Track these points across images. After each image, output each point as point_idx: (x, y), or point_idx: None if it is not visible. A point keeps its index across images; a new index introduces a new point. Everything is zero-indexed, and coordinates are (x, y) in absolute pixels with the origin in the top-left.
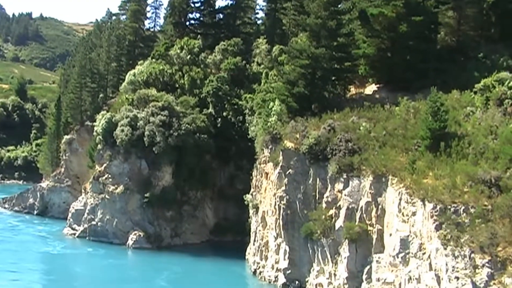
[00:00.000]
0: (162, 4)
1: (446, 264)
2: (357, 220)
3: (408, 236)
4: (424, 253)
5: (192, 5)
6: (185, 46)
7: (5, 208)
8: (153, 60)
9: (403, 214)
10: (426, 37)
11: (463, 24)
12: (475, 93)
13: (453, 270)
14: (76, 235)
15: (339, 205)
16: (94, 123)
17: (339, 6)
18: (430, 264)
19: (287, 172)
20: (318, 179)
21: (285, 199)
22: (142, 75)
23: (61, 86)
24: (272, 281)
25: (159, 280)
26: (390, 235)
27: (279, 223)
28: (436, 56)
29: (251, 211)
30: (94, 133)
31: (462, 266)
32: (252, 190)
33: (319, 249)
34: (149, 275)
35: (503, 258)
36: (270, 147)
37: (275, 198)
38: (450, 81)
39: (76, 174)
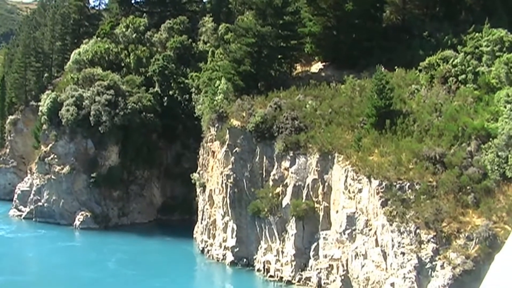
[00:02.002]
0: None
1: (392, 240)
2: (304, 197)
3: (354, 213)
4: (370, 230)
5: None
6: (130, 25)
7: None
8: (99, 38)
9: (349, 191)
10: (372, 15)
11: (408, 3)
12: (420, 71)
13: (399, 246)
14: (22, 216)
15: (286, 183)
16: (39, 103)
17: None
18: (376, 240)
19: (234, 151)
20: (264, 157)
21: (232, 177)
22: (87, 54)
23: (5, 66)
24: (220, 259)
25: (110, 263)
26: (337, 212)
27: (226, 201)
28: (382, 35)
29: (198, 190)
30: (39, 113)
31: (407, 242)
32: (199, 168)
33: (267, 227)
34: (100, 257)
35: (447, 233)
36: (216, 125)
37: (222, 177)
38: (395, 59)
39: (22, 154)
